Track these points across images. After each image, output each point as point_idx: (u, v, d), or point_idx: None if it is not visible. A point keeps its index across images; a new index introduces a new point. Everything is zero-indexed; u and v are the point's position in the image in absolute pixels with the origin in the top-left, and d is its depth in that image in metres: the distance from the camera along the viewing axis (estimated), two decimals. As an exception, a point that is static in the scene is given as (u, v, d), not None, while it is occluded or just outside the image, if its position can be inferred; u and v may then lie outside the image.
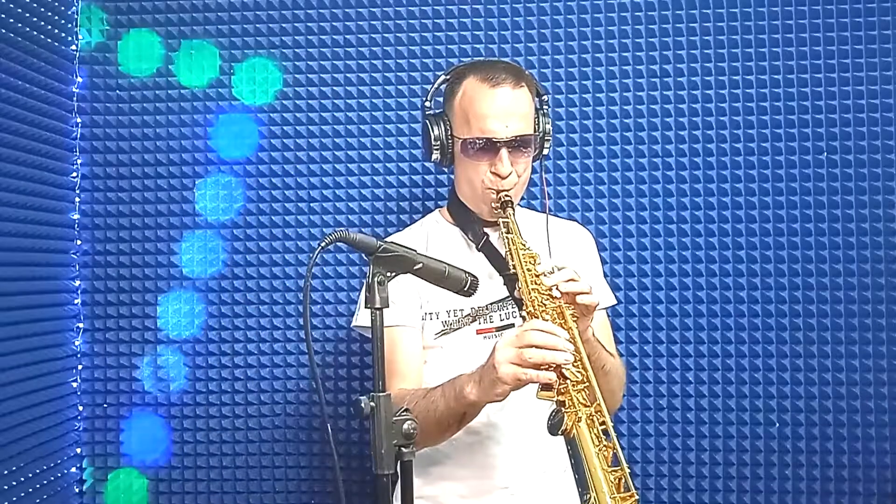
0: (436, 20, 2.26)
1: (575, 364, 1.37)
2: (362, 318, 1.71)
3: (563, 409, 1.36)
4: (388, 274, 1.25)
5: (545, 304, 1.46)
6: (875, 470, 2.14)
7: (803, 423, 2.16)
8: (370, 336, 1.23)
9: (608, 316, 1.87)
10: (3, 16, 1.99)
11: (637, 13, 2.22)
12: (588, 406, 1.36)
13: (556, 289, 1.45)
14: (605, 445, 1.34)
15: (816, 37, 2.17)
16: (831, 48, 2.16)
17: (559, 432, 1.36)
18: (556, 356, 1.35)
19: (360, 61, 2.28)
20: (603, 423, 1.35)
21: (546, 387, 1.37)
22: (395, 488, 1.30)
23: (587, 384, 1.38)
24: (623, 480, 1.31)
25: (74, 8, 2.29)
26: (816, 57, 2.17)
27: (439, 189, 2.26)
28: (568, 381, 1.36)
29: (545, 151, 1.74)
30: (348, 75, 2.28)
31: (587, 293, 1.45)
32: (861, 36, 2.15)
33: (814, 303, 2.16)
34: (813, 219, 2.16)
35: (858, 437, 2.14)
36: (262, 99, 2.30)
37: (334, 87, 2.28)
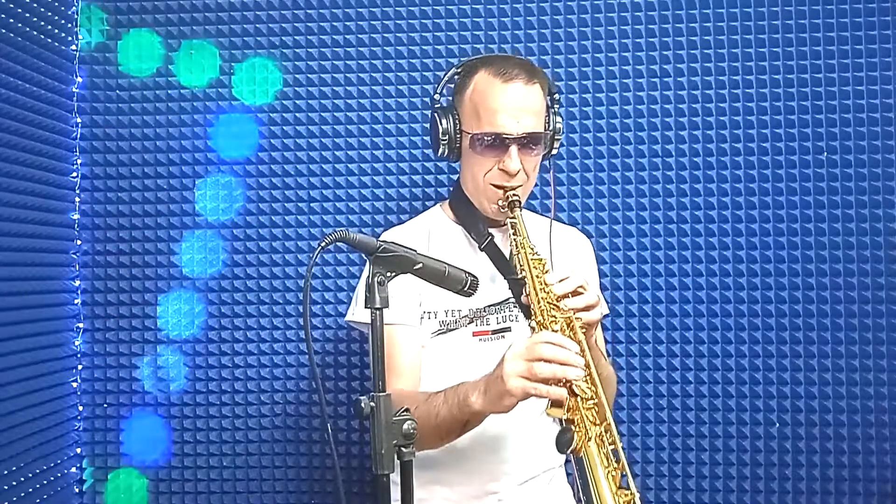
0: (435, 20, 2.26)
1: (585, 380, 1.32)
2: (359, 314, 1.68)
3: (572, 427, 1.30)
4: (388, 274, 1.25)
5: (554, 315, 1.42)
6: (875, 470, 2.13)
7: (803, 423, 2.16)
8: (365, 332, 1.23)
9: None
10: (3, 16, 1.98)
11: (637, 13, 2.22)
12: (598, 424, 1.31)
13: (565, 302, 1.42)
14: (614, 466, 1.28)
15: (816, 37, 2.17)
16: (831, 48, 2.16)
17: (568, 451, 1.30)
18: (568, 371, 1.30)
19: (360, 61, 2.28)
20: (612, 442, 1.30)
21: (556, 403, 1.32)
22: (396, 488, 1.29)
23: (597, 401, 1.32)
24: None
25: (74, 8, 2.29)
26: (816, 57, 2.17)
27: (439, 189, 2.26)
28: (578, 398, 1.31)
29: (554, 150, 1.72)
30: (348, 75, 2.28)
31: (594, 306, 1.43)
32: (861, 36, 2.15)
33: (814, 303, 2.16)
34: (813, 219, 2.16)
35: (858, 437, 2.14)
36: (262, 99, 2.30)
37: (334, 88, 2.28)
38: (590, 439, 1.29)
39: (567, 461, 1.67)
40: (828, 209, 2.16)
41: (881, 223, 2.14)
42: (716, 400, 2.18)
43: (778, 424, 2.16)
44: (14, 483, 2.00)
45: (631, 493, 1.26)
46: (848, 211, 2.15)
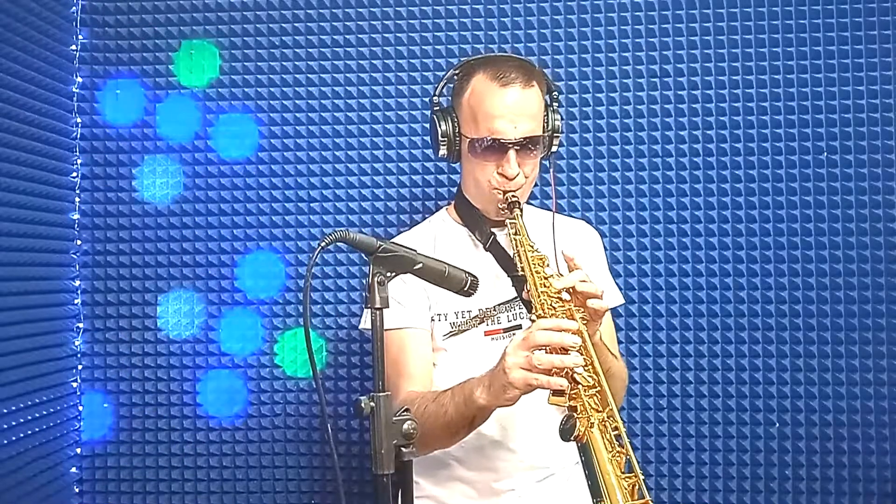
0: (436, 20, 2.26)
1: (586, 368, 1.34)
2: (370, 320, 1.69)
3: (574, 414, 1.32)
4: (388, 274, 1.25)
5: (554, 308, 1.43)
6: (875, 470, 2.13)
7: (803, 423, 2.16)
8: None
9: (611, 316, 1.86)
10: (3, 16, 1.98)
11: (638, 13, 2.22)
12: (600, 411, 1.32)
13: (568, 291, 1.43)
14: (618, 451, 1.30)
15: (816, 37, 2.17)
16: (831, 48, 2.16)
17: (571, 438, 1.31)
18: (566, 360, 1.32)
19: (360, 61, 2.28)
20: (616, 428, 1.31)
21: (557, 392, 1.33)
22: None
23: (599, 388, 1.34)
24: (637, 487, 1.27)
25: (74, 8, 2.29)
26: (816, 57, 2.17)
27: (439, 189, 2.26)
28: (579, 386, 1.33)
29: (554, 148, 1.72)
30: (348, 75, 2.28)
31: (598, 296, 1.43)
32: (861, 36, 2.15)
33: (814, 303, 2.16)
34: (813, 219, 2.16)
35: (858, 437, 2.14)
36: (262, 99, 2.29)
37: (335, 88, 2.28)
38: (592, 426, 1.31)
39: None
40: (828, 209, 2.16)
41: (881, 223, 2.14)
42: (716, 400, 2.18)
43: (778, 424, 2.16)
44: (14, 483, 2.00)
45: (635, 476, 1.28)
46: (848, 211, 2.15)
